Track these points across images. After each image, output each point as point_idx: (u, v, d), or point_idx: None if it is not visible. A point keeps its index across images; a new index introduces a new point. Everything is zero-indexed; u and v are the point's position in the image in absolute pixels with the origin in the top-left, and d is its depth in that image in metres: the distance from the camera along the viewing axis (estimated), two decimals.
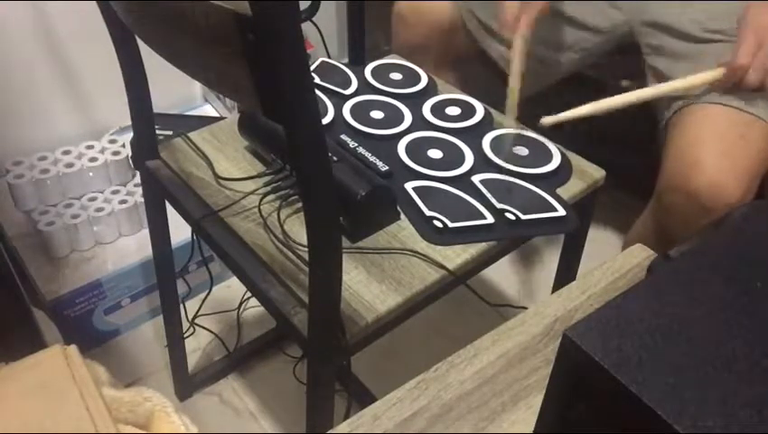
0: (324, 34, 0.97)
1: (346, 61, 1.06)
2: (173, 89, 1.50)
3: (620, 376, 0.30)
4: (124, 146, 1.30)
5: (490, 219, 0.75)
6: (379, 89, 0.97)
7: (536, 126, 0.91)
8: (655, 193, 0.97)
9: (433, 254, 0.72)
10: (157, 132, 0.88)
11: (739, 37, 0.87)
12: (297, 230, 0.75)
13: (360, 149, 0.84)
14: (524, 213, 0.75)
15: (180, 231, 0.94)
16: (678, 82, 0.91)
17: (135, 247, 1.26)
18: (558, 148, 0.86)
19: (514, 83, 0.91)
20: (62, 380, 0.60)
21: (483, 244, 0.74)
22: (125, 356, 1.25)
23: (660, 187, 0.95)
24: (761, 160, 0.89)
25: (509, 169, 0.82)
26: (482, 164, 0.84)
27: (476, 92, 0.98)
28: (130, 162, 1.29)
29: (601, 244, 1.37)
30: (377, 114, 0.92)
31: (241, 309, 1.27)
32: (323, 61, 1.03)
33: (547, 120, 0.85)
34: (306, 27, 0.58)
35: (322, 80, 0.98)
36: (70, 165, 1.24)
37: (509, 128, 0.90)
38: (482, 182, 0.80)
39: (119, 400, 0.62)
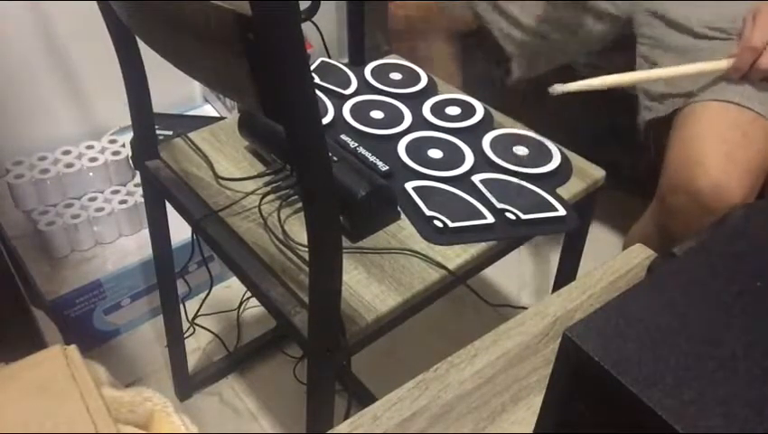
0: (324, 34, 0.97)
1: (346, 61, 1.06)
2: (173, 89, 1.50)
3: (620, 376, 0.30)
4: (124, 145, 1.30)
5: (490, 219, 0.75)
6: (378, 88, 0.97)
7: (536, 125, 0.91)
8: (657, 193, 0.97)
9: (433, 254, 0.72)
10: (157, 132, 0.88)
11: (751, 23, 0.87)
12: (297, 230, 0.75)
13: (361, 149, 0.83)
14: (524, 213, 0.75)
15: (180, 231, 0.94)
16: (688, 67, 0.91)
17: (135, 247, 1.26)
18: (558, 148, 0.86)
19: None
20: (62, 380, 0.60)
21: (483, 244, 0.74)
22: (125, 356, 1.25)
23: (662, 188, 0.95)
24: (763, 159, 0.89)
25: (509, 169, 0.82)
26: (483, 163, 0.84)
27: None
28: (130, 162, 1.29)
29: (601, 244, 1.37)
30: (377, 114, 0.92)
31: (241, 309, 1.27)
32: (322, 61, 1.03)
33: (557, 89, 0.83)
34: (306, 27, 0.58)
35: (322, 80, 0.98)
36: (70, 165, 1.24)
37: (509, 128, 0.89)
38: (483, 181, 0.80)
39: (119, 401, 0.62)
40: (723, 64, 0.89)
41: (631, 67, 1.07)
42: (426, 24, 1.18)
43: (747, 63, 0.87)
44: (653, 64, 1.01)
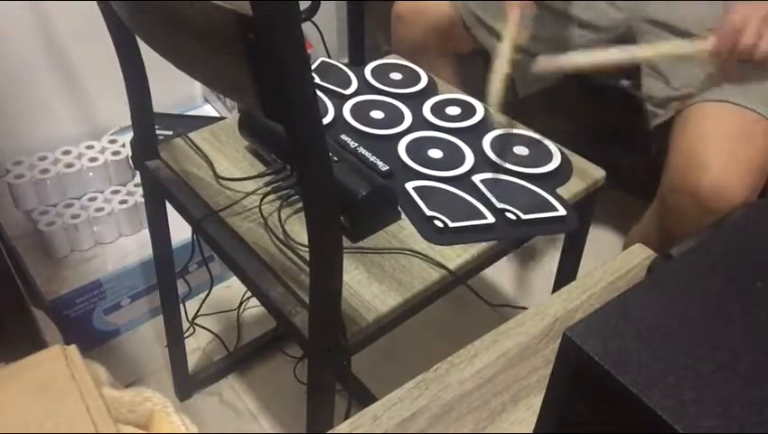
0: (324, 34, 0.97)
1: (346, 61, 1.06)
2: (173, 89, 1.50)
3: (620, 376, 0.30)
4: (124, 145, 1.30)
5: (490, 219, 0.75)
6: (379, 88, 0.97)
7: (536, 126, 0.91)
8: (659, 193, 0.97)
9: (433, 254, 0.72)
10: (157, 132, 0.88)
11: (729, 9, 0.86)
12: (298, 230, 0.75)
13: (361, 149, 0.83)
14: (524, 213, 0.75)
15: (180, 231, 0.94)
16: (673, 47, 0.91)
17: (135, 247, 1.26)
18: (558, 148, 0.86)
19: (500, 67, 0.87)
20: (62, 380, 0.60)
21: (483, 244, 0.74)
22: (125, 356, 1.25)
23: (664, 188, 0.95)
24: (764, 159, 0.89)
25: (509, 169, 0.82)
26: (483, 163, 0.84)
27: (476, 91, 0.98)
28: (130, 162, 1.29)
29: (601, 244, 1.37)
30: (377, 114, 0.92)
31: (241, 309, 1.27)
32: (322, 61, 1.03)
33: (541, 65, 0.84)
34: (306, 27, 0.58)
35: (322, 80, 0.98)
36: (70, 165, 1.24)
37: (507, 128, 0.89)
38: (483, 181, 0.80)
39: (119, 401, 0.62)
40: (707, 45, 0.88)
41: (634, 69, 1.07)
42: (426, 47, 1.18)
43: (728, 44, 0.86)
44: (659, 74, 1.01)
